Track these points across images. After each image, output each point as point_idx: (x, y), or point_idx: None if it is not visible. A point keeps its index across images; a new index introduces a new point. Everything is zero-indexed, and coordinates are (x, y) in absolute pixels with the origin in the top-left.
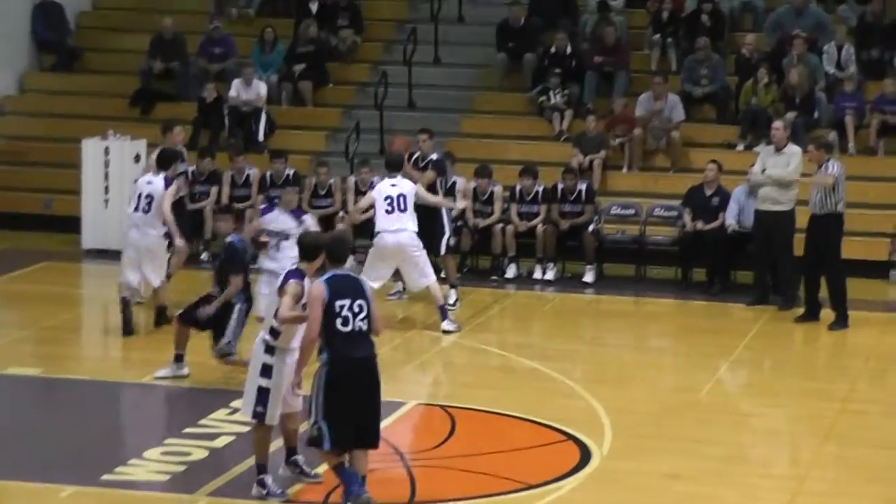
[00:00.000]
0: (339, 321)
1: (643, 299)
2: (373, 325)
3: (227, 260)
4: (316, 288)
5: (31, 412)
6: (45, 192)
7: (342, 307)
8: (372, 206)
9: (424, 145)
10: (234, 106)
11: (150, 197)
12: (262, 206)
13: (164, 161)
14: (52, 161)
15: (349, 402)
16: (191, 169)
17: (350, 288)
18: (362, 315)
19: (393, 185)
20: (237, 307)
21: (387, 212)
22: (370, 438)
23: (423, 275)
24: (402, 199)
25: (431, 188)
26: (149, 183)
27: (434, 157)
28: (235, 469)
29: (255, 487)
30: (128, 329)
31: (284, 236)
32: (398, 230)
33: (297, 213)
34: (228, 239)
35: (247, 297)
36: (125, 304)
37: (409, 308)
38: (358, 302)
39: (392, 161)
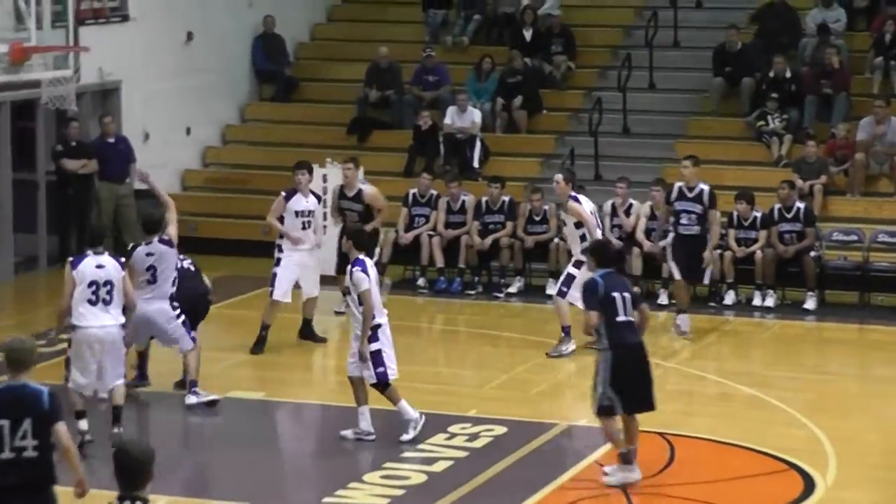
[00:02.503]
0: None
1: (867, 327)
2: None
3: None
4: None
5: (254, 435)
6: (265, 220)
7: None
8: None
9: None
10: (448, 133)
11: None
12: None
13: None
14: (272, 189)
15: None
16: (412, 192)
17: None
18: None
19: None
20: (603, 354)
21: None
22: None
23: None
24: None
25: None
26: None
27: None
28: (454, 494)
29: None
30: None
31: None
32: None
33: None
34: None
35: (614, 342)
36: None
37: None
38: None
39: None
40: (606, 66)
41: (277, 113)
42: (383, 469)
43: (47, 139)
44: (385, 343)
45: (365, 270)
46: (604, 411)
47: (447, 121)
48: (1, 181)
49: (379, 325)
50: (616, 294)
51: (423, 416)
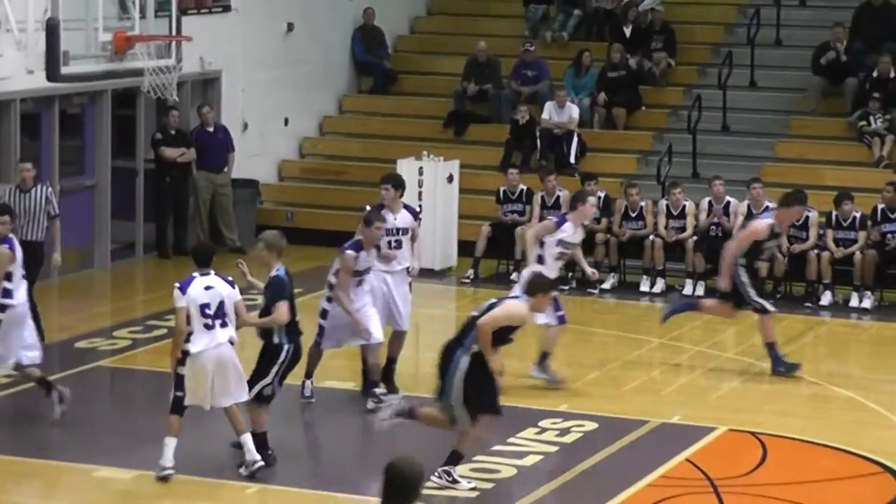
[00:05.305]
0: None
1: None
2: None
3: None
4: None
5: (345, 426)
6: (361, 211)
7: None
8: None
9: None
10: (546, 128)
11: None
12: None
13: None
14: (368, 180)
15: None
16: (502, 189)
17: None
18: None
19: None
20: None
21: None
22: None
23: None
24: None
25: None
26: None
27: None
28: (543, 488)
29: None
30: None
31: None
32: None
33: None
34: None
35: None
36: None
37: (718, 335)
38: None
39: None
40: (707, 64)
41: (375, 105)
42: (473, 462)
43: (147, 127)
44: (190, 374)
45: (182, 289)
46: None
47: (545, 116)
48: (100, 168)
49: (188, 353)
50: None
51: (264, 463)
